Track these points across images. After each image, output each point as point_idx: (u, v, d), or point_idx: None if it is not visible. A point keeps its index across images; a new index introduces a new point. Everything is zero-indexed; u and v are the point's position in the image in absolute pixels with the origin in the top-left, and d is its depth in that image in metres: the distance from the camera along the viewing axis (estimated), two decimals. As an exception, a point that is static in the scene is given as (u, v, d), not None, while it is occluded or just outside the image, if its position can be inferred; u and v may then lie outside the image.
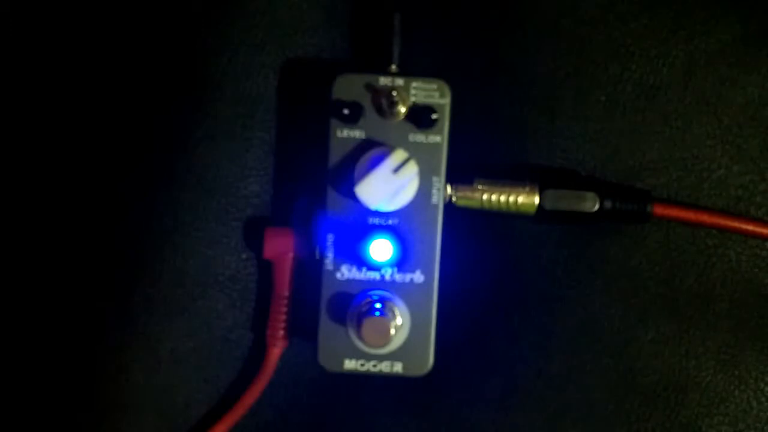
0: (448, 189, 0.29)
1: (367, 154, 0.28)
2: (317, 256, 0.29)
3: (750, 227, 0.31)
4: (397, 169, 0.28)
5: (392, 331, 0.28)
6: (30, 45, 0.31)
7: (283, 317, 0.31)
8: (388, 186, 0.28)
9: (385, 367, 0.29)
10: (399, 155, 0.28)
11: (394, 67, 0.29)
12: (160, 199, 0.32)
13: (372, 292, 0.29)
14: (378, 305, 0.28)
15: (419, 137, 0.29)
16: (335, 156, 0.29)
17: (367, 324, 0.28)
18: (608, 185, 0.31)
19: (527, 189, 0.30)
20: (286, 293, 0.31)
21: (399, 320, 0.29)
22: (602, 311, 0.32)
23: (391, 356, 0.29)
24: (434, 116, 0.28)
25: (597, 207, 0.30)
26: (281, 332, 0.31)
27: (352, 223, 0.29)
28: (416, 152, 0.28)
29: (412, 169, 0.28)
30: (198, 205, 0.32)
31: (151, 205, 0.32)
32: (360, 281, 0.29)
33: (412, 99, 0.29)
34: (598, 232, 0.32)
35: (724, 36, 0.31)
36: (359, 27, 0.31)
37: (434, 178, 0.29)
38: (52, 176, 0.32)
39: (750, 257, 0.32)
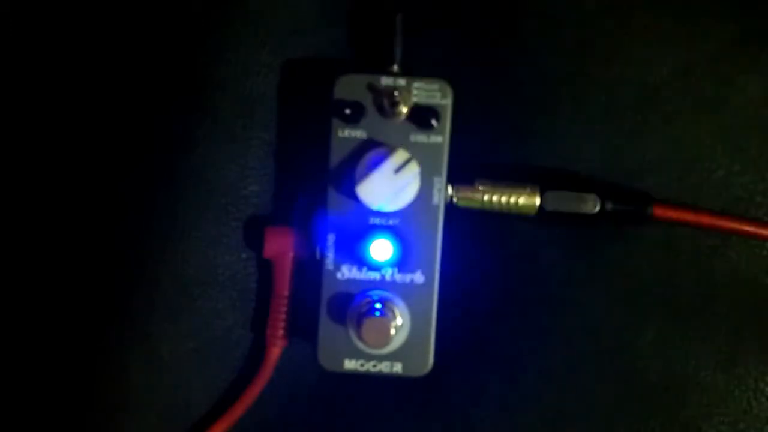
0: (449, 189, 0.29)
1: (368, 154, 0.28)
2: (317, 256, 0.29)
3: (750, 228, 0.31)
4: (398, 170, 0.28)
5: (392, 331, 0.28)
6: (30, 45, 0.31)
7: (283, 317, 0.31)
8: (389, 186, 0.28)
9: (385, 367, 0.29)
10: (400, 155, 0.28)
11: (395, 67, 0.29)
12: (160, 199, 0.31)
13: (372, 292, 0.29)
14: (378, 305, 0.28)
15: (420, 137, 0.29)
16: (336, 156, 0.29)
17: (367, 324, 0.28)
18: (609, 187, 0.31)
19: (528, 190, 0.30)
20: (286, 293, 0.31)
21: (399, 320, 0.29)
22: (602, 311, 0.32)
23: (391, 356, 0.29)
24: (435, 117, 0.28)
25: (598, 208, 0.30)
26: (281, 332, 0.31)
27: (352, 223, 0.29)
28: (417, 152, 0.28)
29: (413, 170, 0.28)
30: (198, 205, 0.32)
31: (151, 205, 0.31)
32: (360, 281, 0.29)
33: (414, 99, 0.29)
34: (598, 233, 0.32)
35: (724, 36, 0.31)
36: (360, 27, 0.31)
37: (435, 179, 0.29)
38: (52, 176, 0.32)
39: (750, 258, 0.32)
